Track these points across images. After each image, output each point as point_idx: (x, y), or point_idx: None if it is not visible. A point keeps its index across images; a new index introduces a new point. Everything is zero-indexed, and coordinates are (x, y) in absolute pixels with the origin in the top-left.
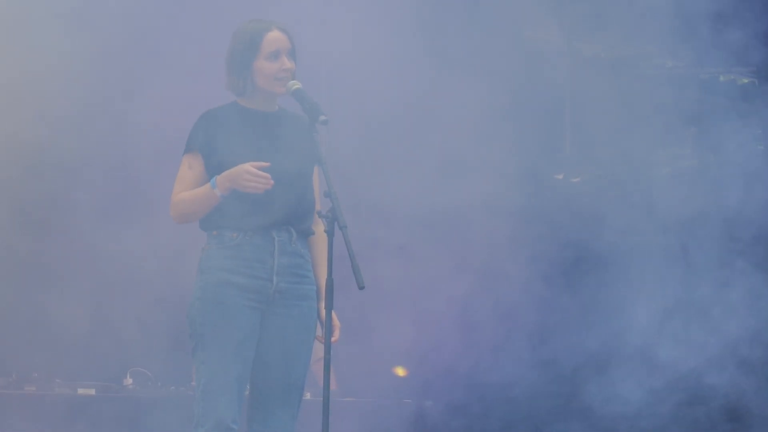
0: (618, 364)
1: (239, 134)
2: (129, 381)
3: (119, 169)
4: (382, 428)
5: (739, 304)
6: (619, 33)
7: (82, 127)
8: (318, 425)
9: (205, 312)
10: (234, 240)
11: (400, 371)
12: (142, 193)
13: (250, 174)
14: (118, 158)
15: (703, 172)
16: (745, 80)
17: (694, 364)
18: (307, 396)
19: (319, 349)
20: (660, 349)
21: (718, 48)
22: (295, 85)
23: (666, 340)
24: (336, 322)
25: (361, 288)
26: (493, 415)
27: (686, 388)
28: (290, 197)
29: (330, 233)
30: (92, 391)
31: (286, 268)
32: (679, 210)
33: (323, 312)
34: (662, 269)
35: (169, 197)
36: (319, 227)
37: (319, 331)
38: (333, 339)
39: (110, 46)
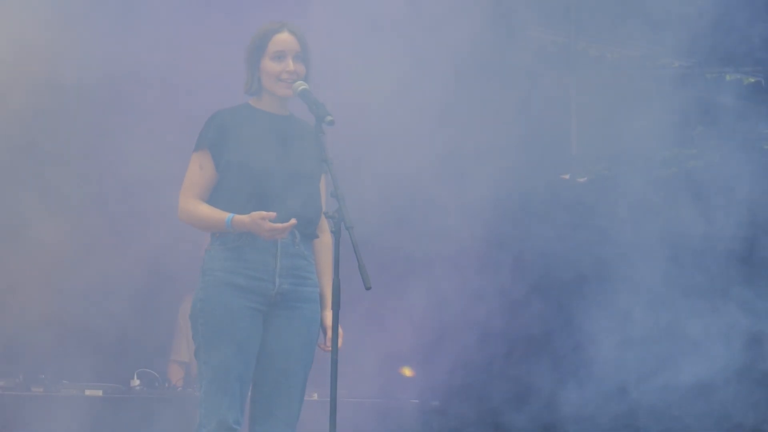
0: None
1: (249, 134)
2: (136, 382)
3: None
4: (389, 428)
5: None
6: (625, 33)
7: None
8: (325, 425)
9: (208, 313)
10: (236, 241)
11: (407, 371)
12: (151, 195)
13: (271, 232)
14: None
15: (710, 172)
16: (752, 80)
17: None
18: (314, 396)
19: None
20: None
21: (724, 48)
22: (301, 86)
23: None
24: (339, 330)
25: (368, 288)
26: (498, 416)
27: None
28: (296, 200)
29: (336, 233)
30: (99, 393)
31: (289, 270)
32: (684, 210)
33: (327, 319)
34: (666, 271)
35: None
36: (325, 233)
37: (321, 339)
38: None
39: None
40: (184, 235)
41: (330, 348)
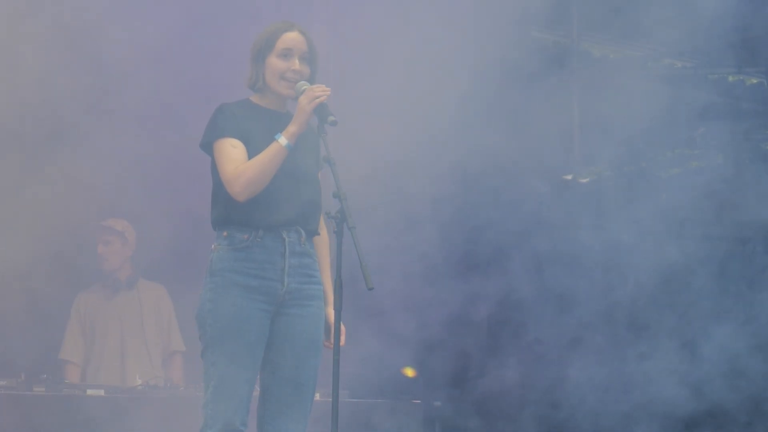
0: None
1: (252, 129)
2: (138, 382)
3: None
4: (391, 429)
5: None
6: (627, 34)
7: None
8: (327, 426)
9: (215, 314)
10: (244, 242)
11: (409, 372)
12: (157, 198)
13: (314, 93)
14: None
15: (712, 173)
16: (754, 80)
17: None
18: (317, 397)
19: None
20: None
21: (726, 48)
22: (304, 86)
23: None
24: (341, 327)
25: (370, 289)
26: (502, 417)
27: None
28: (300, 196)
29: (339, 234)
30: (101, 392)
31: (297, 269)
32: (687, 210)
33: (330, 316)
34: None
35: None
36: (323, 229)
37: (325, 336)
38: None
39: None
40: (194, 238)
41: (332, 345)
